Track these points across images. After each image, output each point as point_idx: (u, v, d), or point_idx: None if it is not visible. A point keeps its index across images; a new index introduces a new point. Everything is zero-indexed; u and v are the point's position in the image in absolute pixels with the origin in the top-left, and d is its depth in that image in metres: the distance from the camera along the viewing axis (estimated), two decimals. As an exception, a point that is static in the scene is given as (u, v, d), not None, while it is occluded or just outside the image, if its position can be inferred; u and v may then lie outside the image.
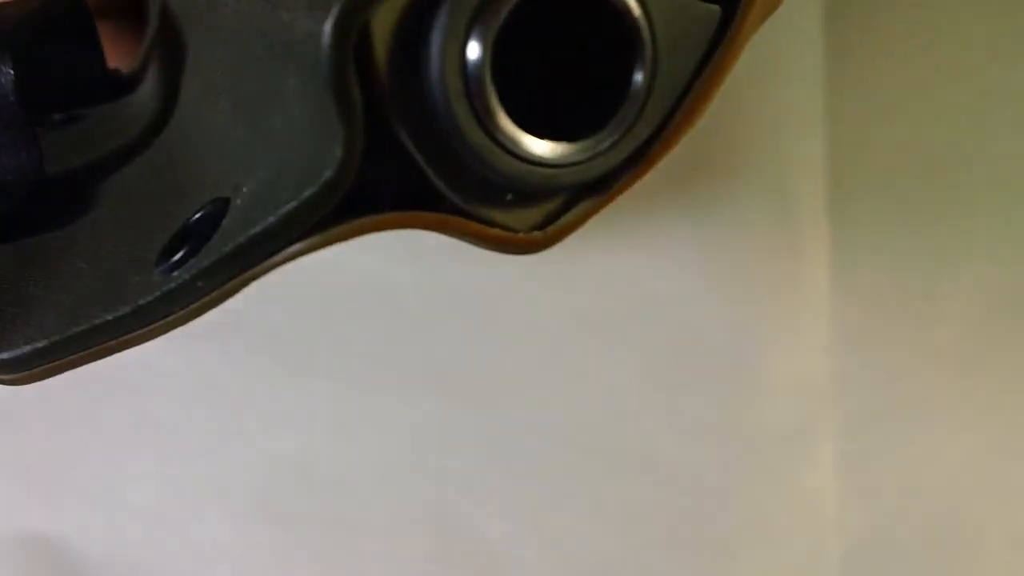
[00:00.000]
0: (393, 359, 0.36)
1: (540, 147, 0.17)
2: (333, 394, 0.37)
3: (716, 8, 0.17)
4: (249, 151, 0.19)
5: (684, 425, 0.37)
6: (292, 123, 0.18)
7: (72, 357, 0.20)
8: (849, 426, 0.37)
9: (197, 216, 0.19)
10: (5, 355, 0.20)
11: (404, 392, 0.36)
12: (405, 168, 0.18)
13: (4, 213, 0.23)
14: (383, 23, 0.17)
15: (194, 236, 0.18)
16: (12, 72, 0.23)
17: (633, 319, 0.37)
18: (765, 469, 0.37)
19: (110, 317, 0.19)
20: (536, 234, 0.19)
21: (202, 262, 0.18)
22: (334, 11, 0.16)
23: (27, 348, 0.20)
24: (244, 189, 0.18)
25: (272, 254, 0.17)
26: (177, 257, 0.18)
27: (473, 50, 0.17)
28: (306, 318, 0.37)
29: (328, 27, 0.16)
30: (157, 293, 0.18)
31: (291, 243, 0.17)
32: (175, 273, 0.18)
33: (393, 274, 0.36)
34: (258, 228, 0.17)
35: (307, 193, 0.17)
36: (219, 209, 0.18)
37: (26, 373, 0.21)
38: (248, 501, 0.38)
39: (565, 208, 0.19)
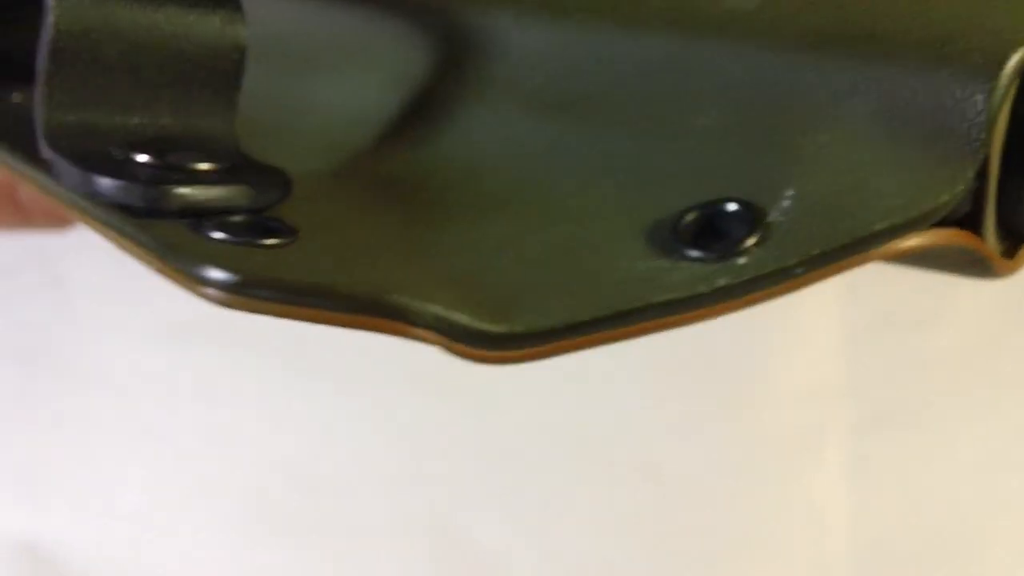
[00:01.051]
0: (391, 360, 0.36)
1: None
2: (330, 395, 0.36)
3: None
4: (776, 163, 0.22)
5: (689, 430, 0.37)
6: (863, 148, 0.21)
7: (592, 336, 0.20)
8: (856, 431, 0.37)
9: (717, 212, 0.21)
10: (518, 327, 0.19)
11: (402, 394, 0.36)
12: (974, 191, 0.21)
13: None
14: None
15: (722, 228, 0.21)
16: (241, 34, 0.22)
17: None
18: (771, 474, 0.37)
19: (659, 300, 0.20)
20: (1012, 262, 0.23)
21: (788, 252, 0.20)
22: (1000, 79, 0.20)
23: (556, 321, 0.20)
24: (789, 192, 0.21)
25: (858, 253, 0.20)
26: (743, 246, 0.20)
27: None
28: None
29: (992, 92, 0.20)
30: (743, 278, 0.20)
31: (880, 247, 0.20)
32: (741, 260, 0.20)
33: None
34: (866, 230, 0.20)
35: (918, 209, 0.20)
36: (749, 208, 0.21)
37: (534, 350, 0.20)
38: (241, 504, 0.38)
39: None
